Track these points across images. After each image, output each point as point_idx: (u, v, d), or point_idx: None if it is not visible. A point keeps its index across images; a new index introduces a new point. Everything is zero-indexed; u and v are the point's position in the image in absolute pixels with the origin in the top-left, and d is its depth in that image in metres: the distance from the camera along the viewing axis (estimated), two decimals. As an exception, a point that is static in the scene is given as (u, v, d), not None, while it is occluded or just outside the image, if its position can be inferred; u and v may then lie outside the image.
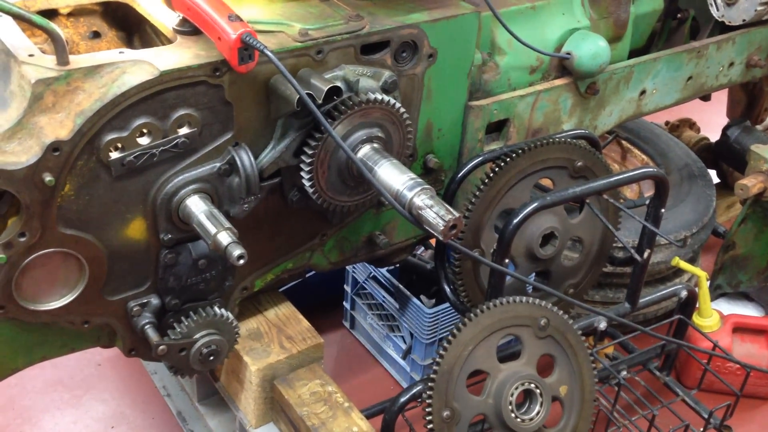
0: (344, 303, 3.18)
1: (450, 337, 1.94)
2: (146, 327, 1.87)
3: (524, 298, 2.00)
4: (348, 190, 1.95)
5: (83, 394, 2.85)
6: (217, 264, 1.92)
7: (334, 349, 3.16)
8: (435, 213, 1.70)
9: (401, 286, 2.80)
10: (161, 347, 1.83)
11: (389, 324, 2.95)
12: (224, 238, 1.69)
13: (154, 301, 1.89)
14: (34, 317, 1.75)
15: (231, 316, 1.96)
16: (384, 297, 2.90)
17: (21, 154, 1.58)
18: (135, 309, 1.87)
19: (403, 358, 2.86)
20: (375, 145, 1.89)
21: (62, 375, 2.90)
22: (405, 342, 2.87)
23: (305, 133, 1.85)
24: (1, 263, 1.62)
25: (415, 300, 2.73)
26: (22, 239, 1.63)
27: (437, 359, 1.93)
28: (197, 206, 1.76)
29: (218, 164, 1.80)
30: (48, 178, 1.58)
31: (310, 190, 1.89)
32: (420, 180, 1.77)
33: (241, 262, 1.67)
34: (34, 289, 1.72)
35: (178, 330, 1.88)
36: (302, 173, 1.87)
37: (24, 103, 1.59)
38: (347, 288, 3.13)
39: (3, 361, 1.83)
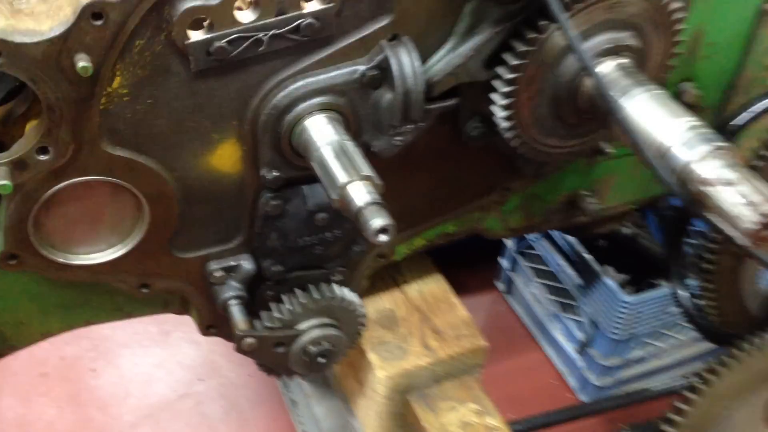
0: (501, 260, 2.47)
1: (699, 384, 1.20)
2: (231, 303, 1.24)
3: (829, 340, 1.22)
4: (562, 130, 1.21)
5: (172, 330, 2.34)
6: (344, 222, 1.26)
7: (481, 317, 2.48)
8: (741, 197, 0.93)
9: (589, 257, 2.06)
10: (248, 340, 1.20)
11: (561, 301, 2.22)
12: (359, 193, 1.01)
13: (246, 265, 1.26)
14: (66, 273, 1.16)
15: (356, 299, 1.30)
16: (560, 265, 2.16)
17: (43, 20, 0.95)
18: (217, 274, 1.24)
19: (579, 351, 2.14)
20: (624, 61, 1.12)
21: (152, 303, 2.39)
22: (582, 330, 2.14)
23: (508, 30, 1.11)
24: (6, 193, 1.01)
25: (608, 281, 1.98)
26: (44, 157, 1.01)
27: (674, 416, 1.20)
28: (321, 132, 1.09)
29: (362, 68, 1.10)
30: (83, 63, 0.94)
31: (504, 124, 1.16)
32: (711, 132, 1.00)
33: (383, 239, 0.99)
34: (65, 232, 1.13)
35: (276, 314, 1.24)
36: (495, 95, 1.14)
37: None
38: (508, 242, 2.41)
39: (28, 322, 1.27)
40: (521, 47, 1.09)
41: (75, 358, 2.24)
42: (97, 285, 1.23)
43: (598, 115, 1.12)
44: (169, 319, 2.28)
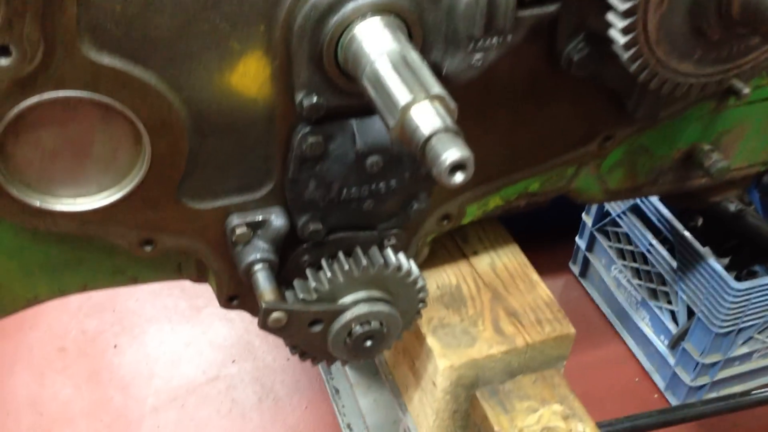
0: (577, 239, 2.17)
1: None
2: (256, 268, 0.98)
3: None
4: (700, 50, 0.90)
5: (204, 305, 2.11)
6: (402, 169, 0.97)
7: (552, 302, 2.18)
8: None
9: (688, 235, 1.74)
10: (275, 315, 0.93)
11: (650, 286, 1.91)
12: (426, 116, 0.73)
13: (277, 221, 0.99)
14: (46, 222, 0.91)
15: (415, 269, 1.02)
16: (651, 244, 1.84)
17: None
18: (240, 231, 0.98)
19: (671, 346, 1.83)
20: (798, -54, 0.81)
21: (183, 274, 2.16)
22: (675, 320, 1.83)
23: None
24: (-47, 109, 0.76)
25: (714, 264, 1.66)
26: (3, 61, 0.76)
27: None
28: (377, 40, 0.80)
29: (433, -45, 0.81)
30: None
31: (623, 39, 0.86)
32: None
33: (458, 179, 0.70)
34: (42, 168, 0.87)
35: (313, 284, 0.97)
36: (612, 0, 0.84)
37: None
38: (586, 217, 2.10)
39: (8, 284, 1.03)
40: (655, -75, 0.79)
41: (97, 333, 2.02)
42: (90, 240, 0.98)
43: (760, 28, 0.81)
44: (201, 292, 2.03)
